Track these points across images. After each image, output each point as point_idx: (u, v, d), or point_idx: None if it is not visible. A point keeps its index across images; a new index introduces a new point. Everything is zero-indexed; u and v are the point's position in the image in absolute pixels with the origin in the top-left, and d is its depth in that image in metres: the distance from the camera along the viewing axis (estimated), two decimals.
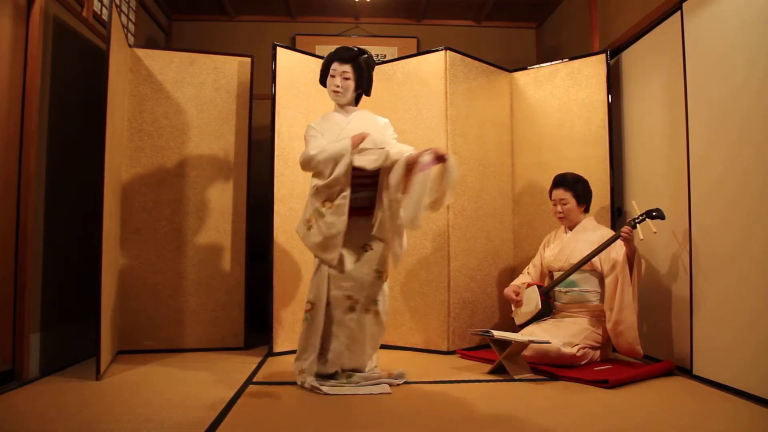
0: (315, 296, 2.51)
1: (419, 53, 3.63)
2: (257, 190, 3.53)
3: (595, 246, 2.93)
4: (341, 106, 2.71)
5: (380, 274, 2.56)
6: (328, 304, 2.50)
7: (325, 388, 2.40)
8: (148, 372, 2.77)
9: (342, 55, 2.62)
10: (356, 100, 2.75)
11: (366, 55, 2.67)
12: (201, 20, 4.60)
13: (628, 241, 2.77)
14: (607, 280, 2.90)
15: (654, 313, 3.04)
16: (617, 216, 3.36)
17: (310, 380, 2.45)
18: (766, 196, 2.24)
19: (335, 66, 2.63)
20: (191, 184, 3.41)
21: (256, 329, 3.55)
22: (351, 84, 2.64)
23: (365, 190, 2.57)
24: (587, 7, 3.83)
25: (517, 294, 3.15)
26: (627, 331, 2.77)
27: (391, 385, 2.49)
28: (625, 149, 3.43)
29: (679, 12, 2.81)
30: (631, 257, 2.79)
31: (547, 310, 3.08)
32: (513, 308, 3.20)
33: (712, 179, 2.58)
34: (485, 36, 4.78)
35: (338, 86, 2.63)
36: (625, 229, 2.77)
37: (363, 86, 2.69)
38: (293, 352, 3.20)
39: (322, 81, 2.72)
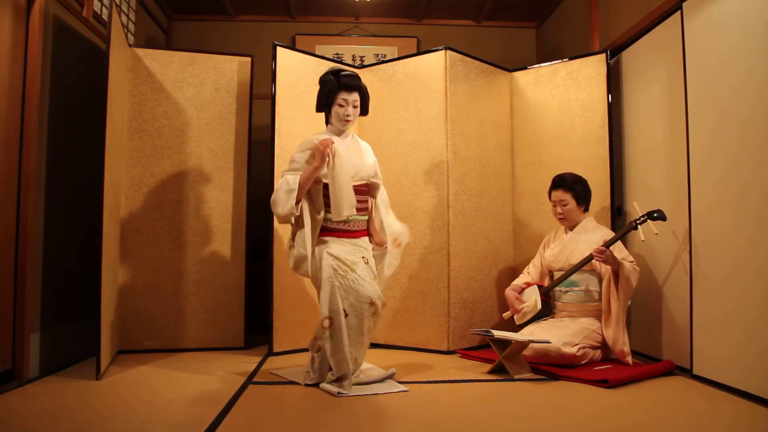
0: (331, 310, 2.45)
1: (419, 53, 3.63)
2: (257, 190, 3.53)
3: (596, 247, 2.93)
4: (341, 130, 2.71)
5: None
6: (346, 315, 2.46)
7: (349, 391, 2.38)
8: (148, 372, 2.77)
9: (349, 84, 2.60)
10: None
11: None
12: (201, 20, 4.60)
13: (605, 262, 2.77)
14: (603, 283, 2.91)
15: (654, 312, 3.04)
16: (617, 216, 3.36)
17: (334, 388, 2.42)
18: None
19: (344, 96, 2.59)
20: (191, 184, 3.41)
21: (256, 329, 3.55)
22: (358, 111, 2.66)
23: (362, 213, 2.65)
24: (587, 7, 3.83)
25: (519, 299, 3.14)
26: (615, 343, 2.83)
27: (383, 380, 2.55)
28: (625, 149, 3.43)
29: (679, 12, 2.81)
30: (617, 271, 2.80)
31: (547, 309, 3.08)
32: (510, 312, 3.18)
33: (713, 180, 2.58)
34: (485, 36, 4.78)
35: (349, 115, 2.62)
36: (597, 249, 2.78)
37: (365, 110, 2.71)
38: (293, 351, 3.24)
39: (324, 108, 2.67)
